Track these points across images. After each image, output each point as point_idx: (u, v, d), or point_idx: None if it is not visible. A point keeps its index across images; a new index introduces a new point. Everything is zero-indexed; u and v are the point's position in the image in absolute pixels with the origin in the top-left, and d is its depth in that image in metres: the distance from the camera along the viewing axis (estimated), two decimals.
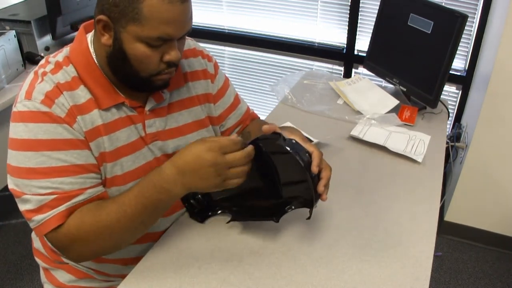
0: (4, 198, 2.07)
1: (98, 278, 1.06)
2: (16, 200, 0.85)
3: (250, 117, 1.22)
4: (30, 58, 2.03)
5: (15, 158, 0.83)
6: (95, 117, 0.88)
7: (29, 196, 0.82)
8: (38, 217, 0.82)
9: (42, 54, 2.08)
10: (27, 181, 0.82)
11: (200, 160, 0.80)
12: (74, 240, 0.84)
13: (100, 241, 0.85)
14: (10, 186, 0.85)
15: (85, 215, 0.83)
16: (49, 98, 0.84)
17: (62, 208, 0.82)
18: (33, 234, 1.13)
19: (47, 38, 2.13)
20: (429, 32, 1.50)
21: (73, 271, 1.06)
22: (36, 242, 1.12)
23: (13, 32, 1.86)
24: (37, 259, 1.13)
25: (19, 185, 0.83)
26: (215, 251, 0.96)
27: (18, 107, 0.84)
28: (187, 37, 1.07)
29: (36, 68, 0.89)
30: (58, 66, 0.88)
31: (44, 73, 0.87)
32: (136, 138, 0.95)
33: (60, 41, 2.21)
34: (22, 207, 0.84)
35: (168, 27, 0.81)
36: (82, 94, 0.88)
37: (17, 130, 0.83)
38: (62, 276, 1.08)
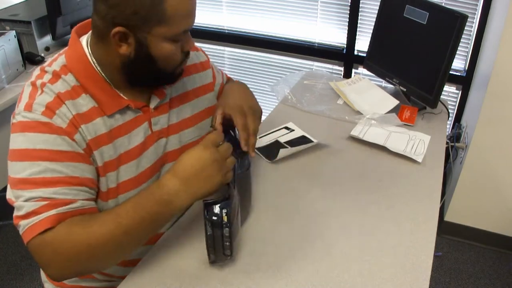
0: (4, 198, 2.05)
1: (99, 278, 1.06)
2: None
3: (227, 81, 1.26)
4: (30, 58, 2.03)
5: (11, 168, 0.81)
6: (99, 126, 0.87)
7: (21, 203, 0.79)
8: (26, 221, 0.79)
9: (42, 54, 2.09)
10: (20, 191, 0.80)
11: (202, 160, 0.81)
12: (58, 251, 0.78)
13: (88, 256, 0.79)
14: (8, 197, 0.83)
15: (75, 225, 0.79)
16: (50, 109, 0.82)
17: (52, 212, 0.78)
18: None
19: (47, 38, 2.13)
20: (429, 32, 1.50)
21: None
22: None
23: (13, 32, 1.87)
24: None
25: (13, 196, 0.81)
26: None
27: (17, 118, 0.83)
28: None
29: (33, 79, 0.87)
30: (56, 75, 0.86)
31: (43, 84, 0.85)
32: (142, 139, 0.94)
33: (60, 41, 2.21)
34: (14, 214, 0.81)
35: (190, 18, 0.85)
36: (83, 103, 0.86)
37: (16, 140, 0.82)
38: None
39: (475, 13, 2.05)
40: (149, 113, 0.95)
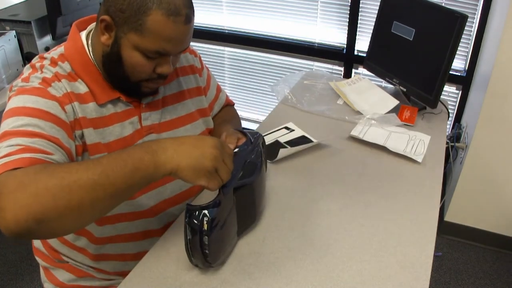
0: None
1: (98, 276, 1.07)
2: None
3: (227, 104, 1.30)
4: (30, 58, 2.02)
5: (2, 125, 0.79)
6: (90, 110, 0.90)
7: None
8: None
9: None
10: (1, 143, 0.74)
11: (204, 139, 0.79)
12: (24, 183, 0.65)
13: (55, 192, 0.66)
14: None
15: (51, 164, 0.72)
16: (47, 82, 0.85)
17: (27, 155, 0.72)
18: None
19: (47, 39, 2.13)
20: (429, 32, 1.50)
21: (73, 270, 1.07)
22: (36, 241, 1.12)
23: (13, 33, 1.87)
24: (37, 258, 1.14)
25: None
26: None
27: (14, 90, 0.85)
28: None
29: (32, 62, 0.91)
30: (54, 62, 0.90)
31: (42, 66, 0.88)
32: (130, 132, 0.96)
33: (60, 42, 2.19)
34: None
35: (167, 43, 0.85)
36: (80, 87, 0.90)
37: (10, 104, 0.82)
38: (62, 275, 1.08)
39: (475, 13, 2.05)
40: (139, 108, 0.98)
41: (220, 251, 0.89)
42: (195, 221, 0.80)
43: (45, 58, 0.91)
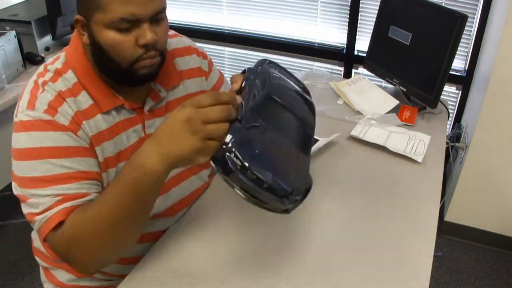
0: (4, 198, 2.07)
1: (98, 277, 1.06)
2: (22, 205, 0.84)
3: None
4: (30, 58, 2.03)
5: (19, 168, 0.82)
6: (99, 122, 0.88)
7: (35, 200, 0.81)
8: (40, 216, 0.81)
9: (42, 55, 2.09)
10: (33, 190, 0.81)
11: (173, 119, 0.71)
12: (69, 239, 0.79)
13: (91, 240, 0.79)
14: (16, 192, 0.84)
15: (75, 215, 0.80)
16: (52, 108, 0.83)
17: (67, 205, 0.80)
18: (33, 234, 1.13)
19: (47, 39, 2.13)
20: (429, 32, 1.50)
21: (72, 270, 1.06)
22: (36, 242, 1.12)
23: (13, 33, 1.87)
24: (37, 259, 1.13)
25: (25, 194, 0.82)
26: (215, 251, 0.97)
27: (20, 117, 0.84)
28: (181, 36, 1.07)
29: (35, 77, 0.89)
30: (57, 73, 0.88)
31: (44, 82, 0.86)
32: (135, 140, 0.95)
33: (60, 41, 2.21)
34: (26, 210, 0.82)
35: (129, 6, 0.79)
36: (83, 100, 0.88)
37: (19, 139, 0.82)
38: (62, 275, 1.08)
39: (475, 13, 2.05)
40: (143, 116, 0.95)
41: (281, 173, 0.71)
42: (226, 164, 0.67)
43: (48, 71, 0.88)
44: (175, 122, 0.70)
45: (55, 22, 2.06)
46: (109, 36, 0.82)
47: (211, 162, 0.69)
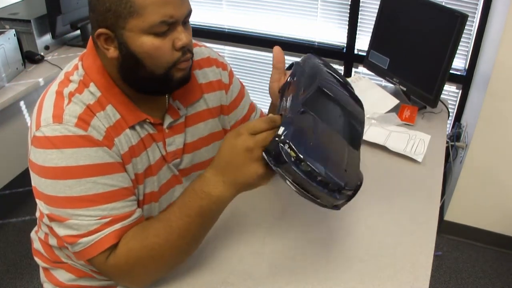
0: (4, 197, 2.07)
1: (97, 277, 1.06)
2: (54, 223, 0.81)
3: None
4: (30, 57, 2.02)
5: (51, 187, 0.78)
6: (128, 138, 0.86)
7: (75, 221, 0.78)
8: (86, 239, 0.78)
9: (42, 53, 2.09)
10: (71, 210, 0.78)
11: (232, 148, 0.74)
12: (127, 265, 0.80)
13: (154, 267, 0.81)
14: (46, 212, 0.81)
15: (130, 241, 0.80)
16: (83, 121, 0.79)
17: (117, 226, 0.79)
18: (32, 235, 1.12)
19: (47, 37, 2.13)
20: (429, 32, 1.50)
21: (72, 270, 1.06)
22: (36, 243, 1.11)
23: (13, 31, 1.86)
24: (36, 259, 1.13)
25: (61, 214, 0.79)
26: (215, 251, 0.96)
27: (44, 132, 0.78)
28: (200, 44, 1.05)
29: (56, 87, 0.84)
30: (82, 84, 0.84)
31: (71, 94, 0.81)
32: (158, 157, 0.93)
33: (60, 40, 2.21)
34: (64, 231, 0.79)
35: (167, 7, 0.77)
36: (111, 114, 0.84)
37: (50, 157, 0.77)
38: (62, 275, 1.08)
39: (475, 13, 2.05)
40: (163, 133, 0.93)
41: (335, 167, 0.71)
42: (280, 155, 0.67)
43: (71, 81, 0.83)
44: (235, 152, 0.74)
45: (55, 21, 2.06)
46: (147, 42, 0.78)
47: (264, 154, 0.71)
